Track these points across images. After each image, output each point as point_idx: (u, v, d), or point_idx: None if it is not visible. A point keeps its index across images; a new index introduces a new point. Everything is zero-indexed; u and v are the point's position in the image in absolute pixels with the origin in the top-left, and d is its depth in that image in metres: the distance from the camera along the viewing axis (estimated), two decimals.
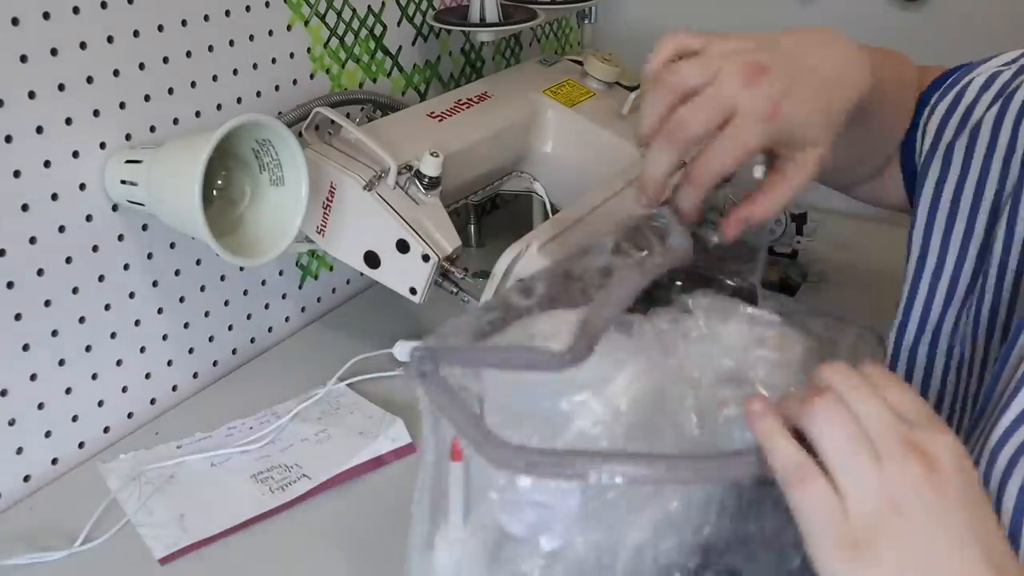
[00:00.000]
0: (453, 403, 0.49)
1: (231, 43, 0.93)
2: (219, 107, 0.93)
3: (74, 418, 0.85)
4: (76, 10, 0.78)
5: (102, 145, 0.83)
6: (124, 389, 0.89)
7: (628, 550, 0.50)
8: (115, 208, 0.85)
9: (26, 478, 0.82)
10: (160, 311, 0.91)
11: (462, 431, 0.48)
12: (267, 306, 1.04)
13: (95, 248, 0.84)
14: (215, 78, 0.92)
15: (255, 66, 0.96)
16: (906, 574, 0.44)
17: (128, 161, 0.82)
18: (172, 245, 0.90)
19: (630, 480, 0.46)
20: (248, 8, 0.94)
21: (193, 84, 0.90)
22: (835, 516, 0.45)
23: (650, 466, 0.46)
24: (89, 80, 0.80)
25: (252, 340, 1.01)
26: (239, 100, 0.95)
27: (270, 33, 0.97)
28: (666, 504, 0.50)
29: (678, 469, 0.47)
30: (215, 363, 0.98)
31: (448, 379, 0.50)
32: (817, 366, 0.50)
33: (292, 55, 1.00)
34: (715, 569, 0.53)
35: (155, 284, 0.90)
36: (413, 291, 0.88)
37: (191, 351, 0.95)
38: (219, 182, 0.85)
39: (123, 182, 0.82)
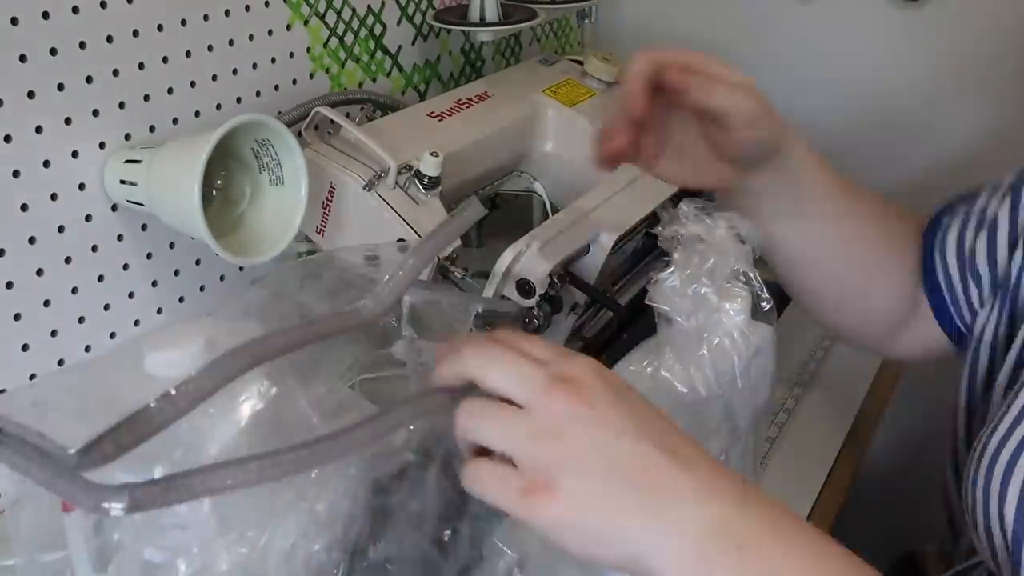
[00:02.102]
0: (32, 458, 0.44)
1: (231, 43, 0.93)
2: (219, 107, 0.93)
3: None
4: (76, 10, 0.78)
5: (101, 145, 0.83)
6: None
7: (277, 557, 0.49)
8: (114, 208, 0.85)
9: None
10: (160, 311, 0.91)
11: (52, 486, 0.44)
12: None
13: (94, 248, 0.84)
14: (215, 78, 0.92)
15: (255, 66, 0.96)
16: (587, 484, 0.46)
17: (127, 161, 0.82)
18: (172, 245, 0.90)
19: (240, 485, 0.44)
20: (248, 8, 0.94)
21: (193, 84, 0.90)
22: (507, 480, 0.47)
23: (259, 465, 0.44)
24: (89, 80, 0.80)
25: None
26: (239, 100, 0.95)
27: (270, 33, 0.97)
28: (312, 506, 0.49)
29: (286, 461, 0.45)
30: None
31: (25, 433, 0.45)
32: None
33: (292, 55, 1.00)
34: (368, 564, 0.54)
35: (155, 284, 0.90)
36: None
37: None
38: (219, 182, 0.84)
39: (122, 182, 0.82)
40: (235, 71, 0.94)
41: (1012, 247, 0.74)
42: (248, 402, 0.48)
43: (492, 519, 0.57)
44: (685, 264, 0.64)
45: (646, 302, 0.66)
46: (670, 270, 0.65)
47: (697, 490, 0.47)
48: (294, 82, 1.01)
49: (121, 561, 0.49)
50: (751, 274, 0.66)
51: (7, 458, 0.45)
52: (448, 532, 0.55)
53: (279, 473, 0.46)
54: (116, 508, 0.43)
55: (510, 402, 0.49)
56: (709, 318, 0.65)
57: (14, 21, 0.74)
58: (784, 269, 0.82)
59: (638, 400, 0.50)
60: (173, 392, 0.45)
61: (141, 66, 0.84)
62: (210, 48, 0.91)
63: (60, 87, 0.78)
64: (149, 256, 0.89)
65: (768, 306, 0.68)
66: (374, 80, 1.12)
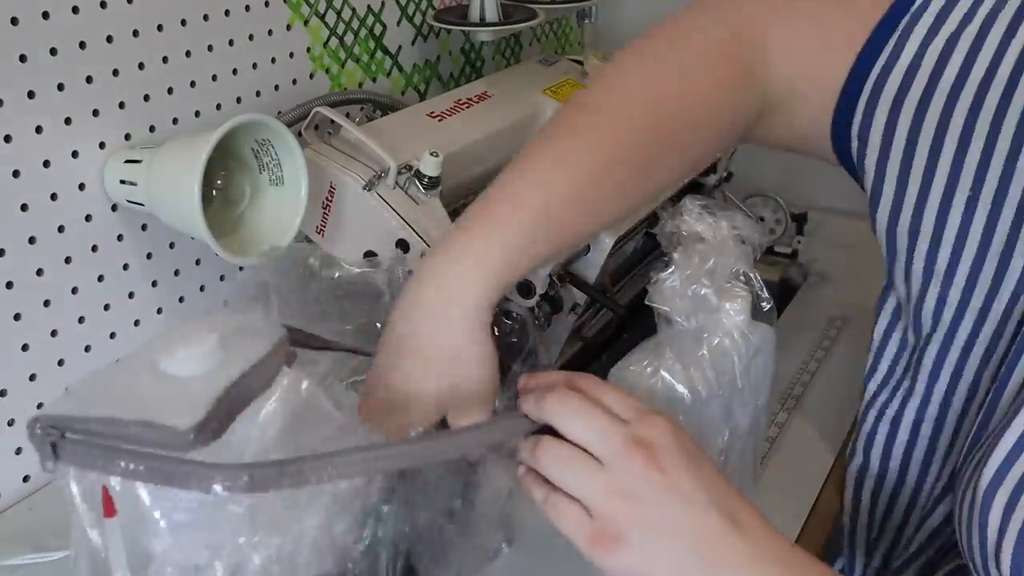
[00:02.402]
0: (111, 454, 0.45)
1: (231, 43, 0.93)
2: (219, 107, 0.93)
3: None
4: (75, 10, 0.78)
5: (101, 145, 0.83)
6: None
7: (308, 542, 0.50)
8: (114, 208, 0.85)
9: (25, 478, 0.82)
10: (160, 311, 0.91)
11: (151, 474, 0.44)
12: None
13: (94, 248, 0.84)
14: (215, 78, 0.92)
15: (255, 66, 0.96)
16: (653, 543, 0.52)
17: (127, 161, 0.82)
18: (172, 245, 0.90)
19: (345, 475, 0.47)
20: (248, 8, 0.94)
21: (193, 84, 0.90)
22: (582, 523, 0.53)
23: (363, 458, 0.48)
24: (88, 80, 0.80)
25: None
26: (239, 100, 0.95)
27: (270, 33, 0.97)
28: (335, 487, 0.51)
29: (387, 455, 0.49)
30: None
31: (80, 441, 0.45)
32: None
33: (292, 55, 1.00)
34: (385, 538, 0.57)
35: (155, 284, 0.90)
36: None
37: None
38: (219, 182, 0.84)
39: (122, 182, 0.82)
40: (235, 71, 0.94)
41: None
42: (281, 399, 0.50)
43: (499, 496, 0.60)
44: (685, 264, 0.64)
45: (646, 302, 0.66)
46: (670, 270, 0.65)
47: (752, 555, 0.52)
48: (294, 82, 1.01)
49: (159, 567, 0.50)
50: (751, 275, 0.66)
51: (79, 459, 0.46)
52: (459, 502, 0.61)
53: (381, 466, 0.50)
54: (236, 486, 0.44)
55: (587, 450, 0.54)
56: (709, 318, 0.65)
57: (14, 21, 0.74)
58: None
59: (707, 465, 0.54)
60: (248, 369, 0.48)
61: (141, 66, 0.84)
62: (210, 48, 0.91)
63: (60, 87, 0.78)
64: (149, 256, 0.89)
65: (768, 306, 0.68)
66: (374, 80, 1.12)
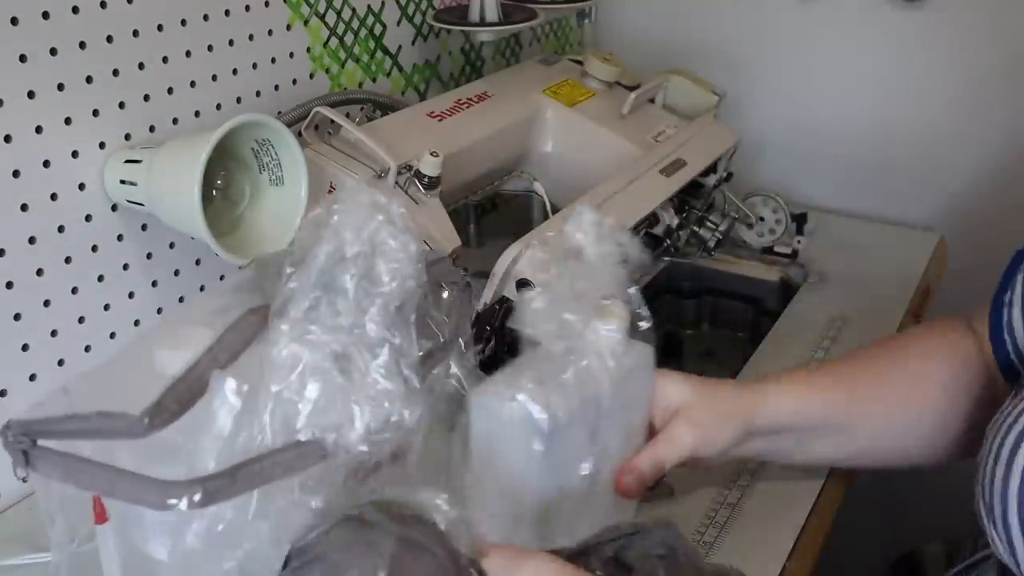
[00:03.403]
0: (81, 465, 0.45)
1: (231, 43, 0.93)
2: (219, 107, 0.93)
3: None
4: (75, 10, 0.78)
5: (101, 145, 0.83)
6: None
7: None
8: (114, 208, 0.85)
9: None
10: (160, 311, 0.91)
11: (112, 488, 0.44)
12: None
13: (94, 248, 0.84)
14: (214, 78, 0.92)
15: (255, 66, 0.96)
16: None
17: (127, 161, 0.82)
18: (172, 245, 0.90)
19: (293, 472, 0.47)
20: (248, 8, 0.94)
21: (192, 84, 0.90)
22: None
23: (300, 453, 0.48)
24: (88, 80, 0.80)
25: None
26: (239, 100, 0.95)
27: (270, 33, 0.97)
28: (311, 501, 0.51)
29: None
30: None
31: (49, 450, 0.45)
32: None
33: (292, 55, 1.00)
34: None
35: (154, 284, 0.90)
36: None
37: None
38: (219, 182, 0.84)
39: (122, 182, 0.82)
40: (235, 71, 0.94)
41: None
42: (225, 406, 0.49)
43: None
44: (553, 285, 0.62)
45: (509, 325, 0.63)
46: (536, 291, 0.62)
47: None
48: (294, 82, 1.01)
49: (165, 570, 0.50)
50: (633, 292, 0.64)
51: (48, 469, 0.45)
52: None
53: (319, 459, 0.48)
54: (190, 502, 0.43)
55: None
56: (577, 341, 0.62)
57: (14, 21, 0.74)
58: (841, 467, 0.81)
59: None
60: (211, 350, 0.48)
61: (141, 66, 0.84)
62: (210, 48, 0.91)
63: (60, 87, 0.78)
64: (149, 256, 0.89)
65: (647, 325, 0.65)
66: (374, 80, 1.12)
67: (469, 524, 0.47)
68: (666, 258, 1.18)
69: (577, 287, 0.62)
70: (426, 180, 0.88)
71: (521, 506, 0.60)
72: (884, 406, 0.76)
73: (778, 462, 0.78)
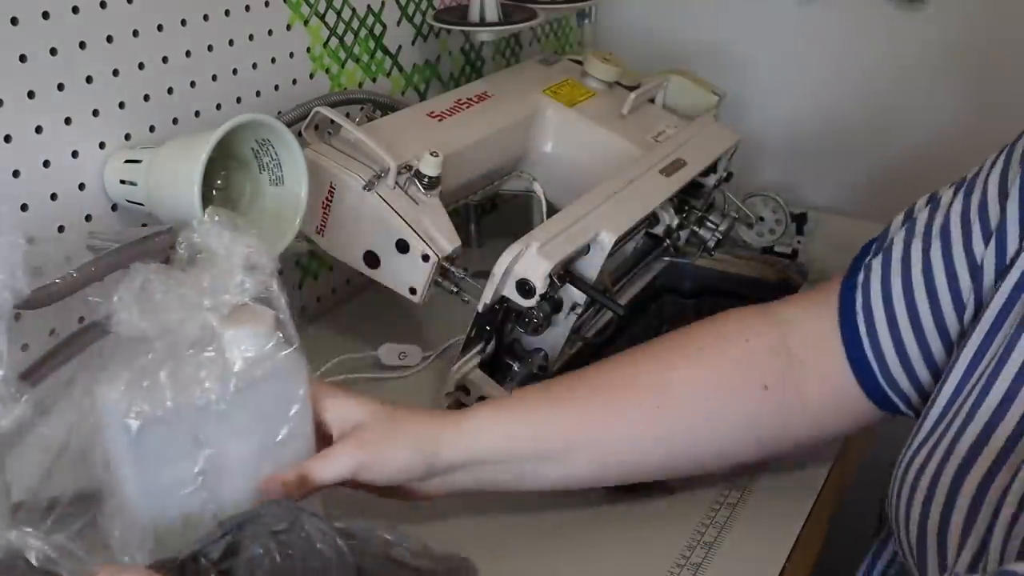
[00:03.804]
0: None
1: (231, 43, 0.93)
2: (219, 107, 0.93)
3: None
4: (75, 10, 0.78)
5: (101, 145, 0.83)
6: None
7: None
8: (114, 208, 0.85)
9: None
10: None
11: None
12: None
13: (89, 247, 0.84)
14: (215, 78, 0.92)
15: (255, 66, 0.96)
16: None
17: (127, 161, 0.82)
18: (172, 245, 0.90)
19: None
20: (248, 8, 0.94)
21: (193, 84, 0.90)
22: None
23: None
24: (88, 80, 0.80)
25: None
26: (239, 100, 0.95)
27: (270, 33, 0.97)
28: None
29: None
30: None
31: None
32: None
33: (292, 55, 1.00)
34: None
35: None
36: (413, 291, 0.87)
37: None
38: (219, 182, 0.84)
39: (122, 182, 0.82)
40: (235, 71, 0.94)
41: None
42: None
43: None
44: (190, 282, 0.59)
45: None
46: (150, 280, 0.59)
47: None
48: (294, 82, 1.01)
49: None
50: (277, 297, 0.61)
51: None
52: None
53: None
54: None
55: None
56: (180, 339, 0.59)
57: (14, 21, 0.74)
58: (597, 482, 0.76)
59: None
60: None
61: (141, 66, 0.85)
62: (210, 48, 0.91)
63: (60, 87, 0.78)
64: None
65: (289, 331, 0.61)
66: (374, 80, 1.12)
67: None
68: (666, 258, 1.18)
69: (204, 286, 0.59)
70: (426, 180, 0.88)
71: (133, 513, 0.59)
72: (609, 425, 0.72)
73: (509, 491, 0.73)
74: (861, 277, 0.72)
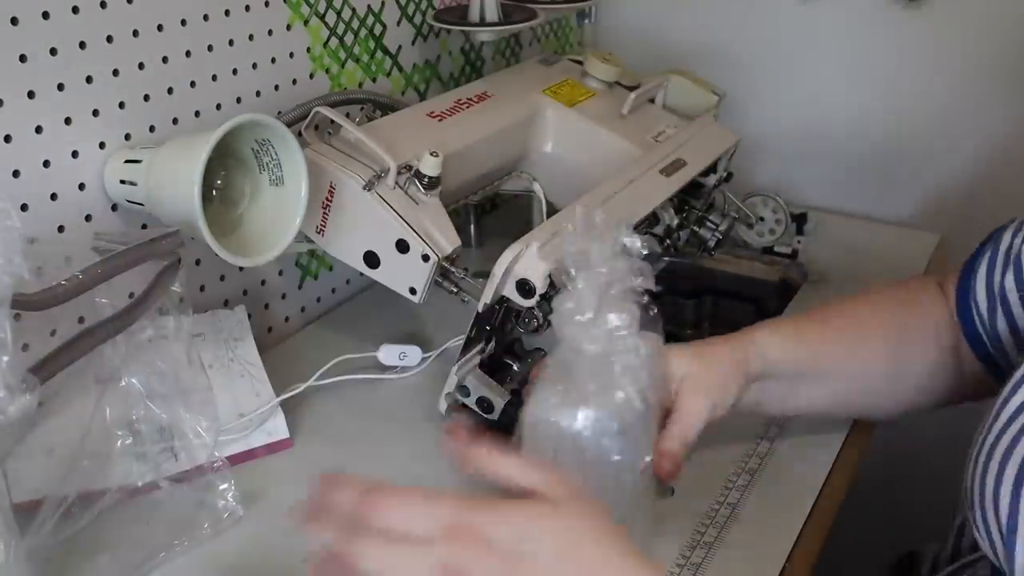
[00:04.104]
0: None
1: (231, 43, 0.93)
2: (219, 107, 0.93)
3: None
4: (75, 10, 0.78)
5: (101, 145, 0.83)
6: None
7: None
8: (114, 208, 0.85)
9: None
10: (160, 311, 0.91)
11: None
12: (267, 306, 1.04)
13: (95, 248, 0.84)
14: (215, 78, 0.92)
15: (255, 66, 0.96)
16: None
17: (127, 161, 0.82)
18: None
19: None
20: (248, 8, 0.94)
21: (193, 84, 0.90)
22: None
23: None
24: (88, 80, 0.80)
25: None
26: (239, 100, 0.95)
27: (270, 33, 0.97)
28: None
29: None
30: None
31: None
32: None
33: (292, 55, 1.00)
34: None
35: None
36: (413, 291, 0.87)
37: None
38: (219, 182, 0.84)
39: (122, 182, 0.82)
40: (235, 71, 0.94)
41: None
42: None
43: None
44: (576, 286, 0.61)
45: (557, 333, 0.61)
46: (568, 290, 0.61)
47: None
48: (294, 82, 1.01)
49: None
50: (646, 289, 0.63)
51: None
52: None
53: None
54: None
55: None
56: (611, 340, 0.61)
57: (14, 21, 0.74)
58: (830, 416, 0.85)
59: (539, 556, 0.48)
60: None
61: (141, 66, 0.85)
62: (210, 48, 0.91)
63: (60, 87, 0.78)
64: None
65: (654, 312, 0.64)
66: (374, 80, 1.12)
67: None
68: (666, 258, 1.18)
69: (595, 285, 0.61)
70: (426, 180, 0.88)
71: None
72: (866, 354, 0.80)
73: (769, 413, 0.82)
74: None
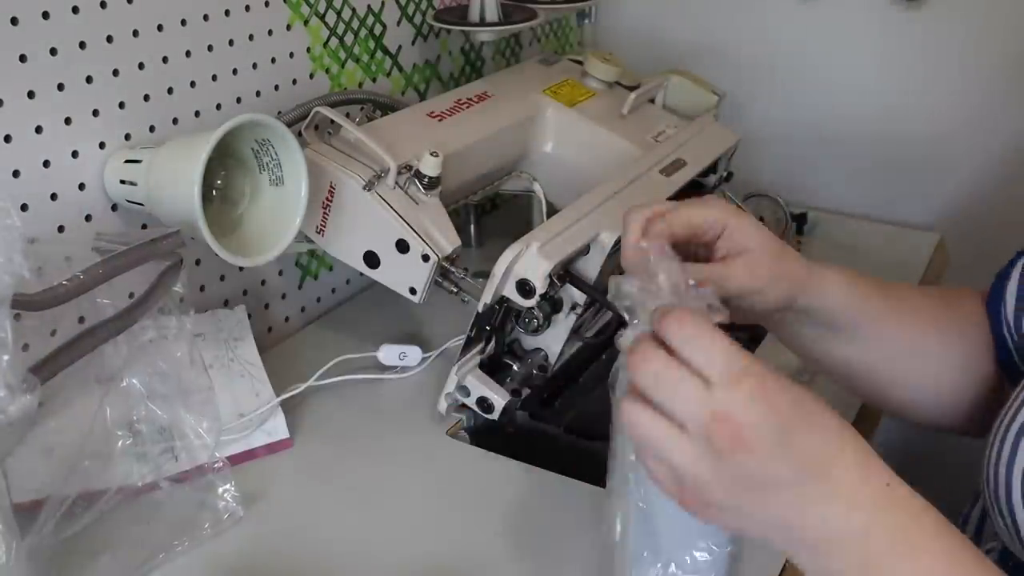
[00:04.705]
0: None
1: (231, 43, 0.93)
2: (219, 107, 0.93)
3: None
4: (75, 10, 0.78)
5: (101, 145, 0.83)
6: None
7: None
8: (114, 208, 0.85)
9: None
10: (160, 311, 0.91)
11: None
12: (267, 306, 1.04)
13: (95, 248, 0.84)
14: (215, 78, 0.92)
15: (255, 66, 0.96)
16: (738, 517, 0.53)
17: (127, 161, 0.82)
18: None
19: None
20: (248, 8, 0.94)
21: (193, 84, 0.90)
22: (671, 485, 0.53)
23: None
24: (89, 80, 0.80)
25: None
26: (239, 100, 0.95)
27: (270, 33, 0.97)
28: None
29: None
30: None
31: None
32: None
33: (292, 55, 1.00)
34: None
35: None
36: (413, 291, 0.88)
37: None
38: (219, 182, 0.84)
39: (122, 182, 0.82)
40: (235, 71, 0.94)
41: None
42: None
43: None
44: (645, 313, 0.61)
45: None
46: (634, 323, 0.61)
47: (836, 513, 0.51)
48: (294, 82, 1.01)
49: None
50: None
51: None
52: None
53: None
54: None
55: None
56: None
57: (14, 21, 0.74)
58: (846, 383, 0.83)
59: (798, 425, 0.51)
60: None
61: (141, 66, 0.85)
62: (210, 48, 0.91)
63: (60, 87, 0.78)
64: None
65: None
66: (374, 80, 1.12)
67: None
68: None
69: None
70: (426, 180, 0.88)
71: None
72: (912, 336, 0.78)
73: (791, 350, 0.80)
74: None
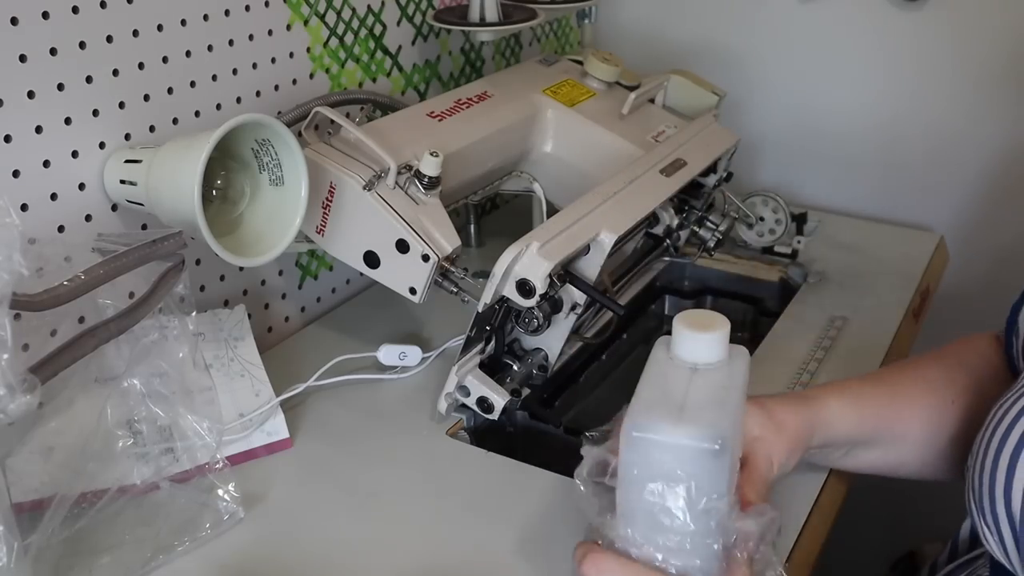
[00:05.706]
0: None
1: (231, 43, 0.93)
2: (219, 107, 0.93)
3: None
4: (75, 10, 0.78)
5: (101, 145, 0.83)
6: None
7: None
8: (114, 208, 0.85)
9: None
10: (160, 311, 0.91)
11: None
12: (267, 306, 1.04)
13: (95, 249, 0.84)
14: (214, 78, 0.92)
15: (255, 66, 0.96)
16: None
17: (127, 161, 0.82)
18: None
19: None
20: (248, 8, 0.94)
21: (192, 84, 0.90)
22: None
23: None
24: (88, 80, 0.80)
25: None
26: (239, 100, 0.95)
27: (270, 33, 0.97)
28: None
29: None
30: None
31: None
32: None
33: (292, 55, 1.00)
34: None
35: None
36: (413, 291, 0.87)
37: None
38: (219, 182, 0.84)
39: (122, 182, 0.82)
40: (235, 71, 0.94)
41: None
42: None
43: None
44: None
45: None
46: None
47: None
48: (294, 82, 1.01)
49: None
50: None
51: None
52: None
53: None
54: None
55: None
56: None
57: (14, 21, 0.74)
58: (892, 476, 0.83)
59: None
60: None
61: (141, 66, 0.85)
62: (210, 48, 0.91)
63: (60, 87, 0.78)
64: None
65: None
66: (374, 80, 1.12)
67: None
68: (666, 258, 1.18)
69: None
70: (426, 180, 0.88)
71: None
72: (930, 416, 0.78)
73: (821, 466, 0.81)
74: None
